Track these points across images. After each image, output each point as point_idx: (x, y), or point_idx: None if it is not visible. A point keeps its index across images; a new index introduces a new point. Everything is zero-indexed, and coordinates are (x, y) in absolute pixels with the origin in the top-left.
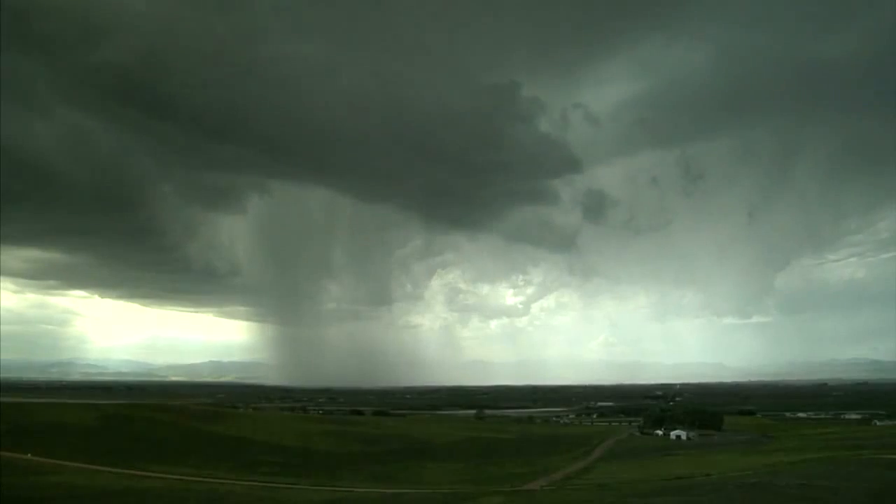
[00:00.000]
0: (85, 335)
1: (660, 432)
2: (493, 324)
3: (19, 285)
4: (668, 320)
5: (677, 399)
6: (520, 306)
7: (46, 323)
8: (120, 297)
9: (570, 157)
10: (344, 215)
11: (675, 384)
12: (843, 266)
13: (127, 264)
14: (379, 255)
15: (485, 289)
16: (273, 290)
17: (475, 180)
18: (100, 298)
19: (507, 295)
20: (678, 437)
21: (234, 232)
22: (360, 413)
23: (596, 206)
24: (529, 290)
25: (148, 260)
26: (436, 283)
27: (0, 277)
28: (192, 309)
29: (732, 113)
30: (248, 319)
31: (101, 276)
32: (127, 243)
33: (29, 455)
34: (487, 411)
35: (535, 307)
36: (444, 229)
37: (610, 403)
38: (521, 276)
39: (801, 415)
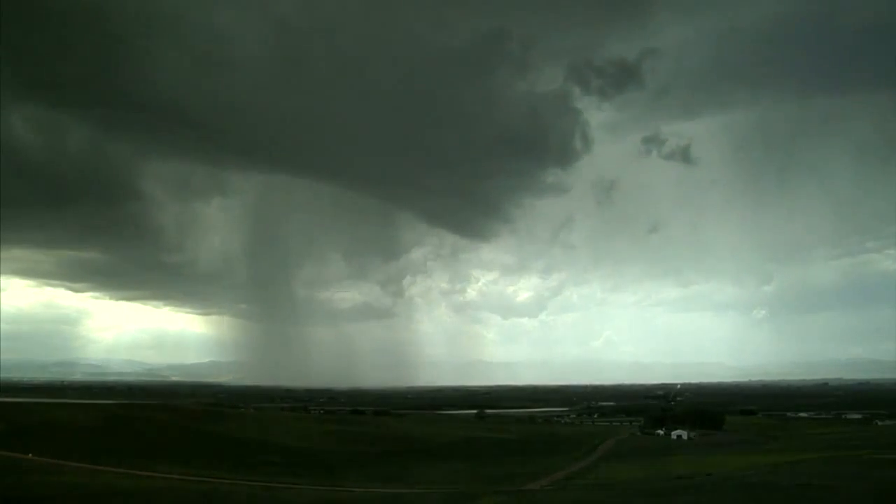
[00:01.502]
0: (89, 335)
1: (661, 432)
2: (490, 325)
3: (41, 285)
4: (668, 319)
5: (678, 399)
6: (519, 305)
7: (51, 322)
8: (129, 298)
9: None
10: (343, 213)
11: (675, 384)
12: (883, 258)
13: (137, 265)
14: (380, 255)
15: (480, 288)
16: (272, 290)
17: (476, 177)
18: (110, 300)
19: (497, 293)
20: (679, 436)
21: (231, 231)
22: (360, 413)
23: (600, 200)
24: (528, 289)
25: (153, 260)
26: (436, 283)
27: (5, 276)
28: (197, 310)
29: (745, 85)
30: (248, 320)
31: (116, 277)
32: (129, 244)
33: (29, 455)
34: (488, 411)
35: (534, 306)
36: (445, 227)
37: (611, 403)
38: (518, 275)
39: (802, 414)
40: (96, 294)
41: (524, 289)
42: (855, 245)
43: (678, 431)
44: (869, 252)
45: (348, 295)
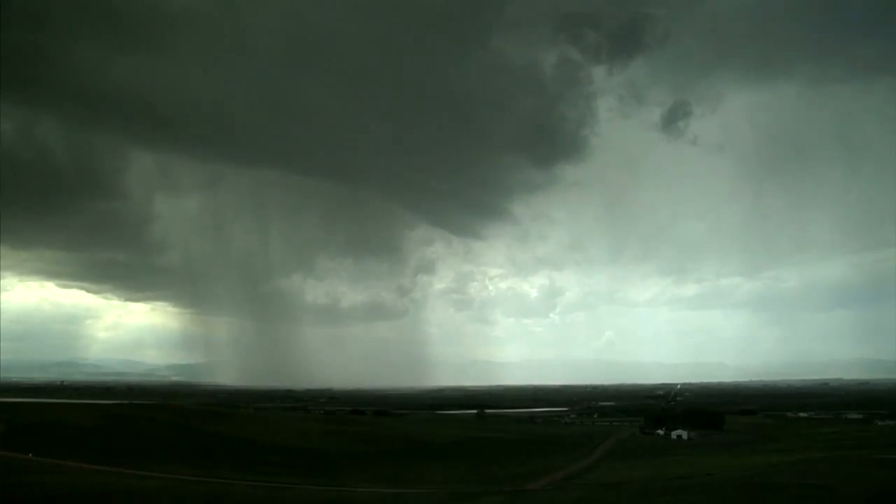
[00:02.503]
0: (91, 334)
1: (661, 432)
2: (496, 325)
3: (58, 285)
4: (667, 318)
5: (678, 399)
6: (527, 305)
7: (54, 322)
8: (136, 299)
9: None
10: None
11: (675, 384)
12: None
13: (143, 266)
14: (382, 254)
15: (475, 290)
16: (274, 290)
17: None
18: (117, 301)
19: (505, 293)
20: (679, 436)
21: (234, 231)
22: (360, 413)
23: (599, 197)
24: (537, 289)
25: (156, 261)
26: (436, 283)
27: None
28: (198, 311)
29: (760, 77)
30: (249, 320)
31: (127, 278)
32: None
33: (29, 455)
34: (488, 411)
35: (543, 305)
36: (447, 227)
37: (611, 403)
38: (526, 274)
39: (802, 414)
40: (108, 295)
41: (533, 288)
42: (879, 240)
43: (678, 431)
44: (889, 246)
45: (352, 295)
